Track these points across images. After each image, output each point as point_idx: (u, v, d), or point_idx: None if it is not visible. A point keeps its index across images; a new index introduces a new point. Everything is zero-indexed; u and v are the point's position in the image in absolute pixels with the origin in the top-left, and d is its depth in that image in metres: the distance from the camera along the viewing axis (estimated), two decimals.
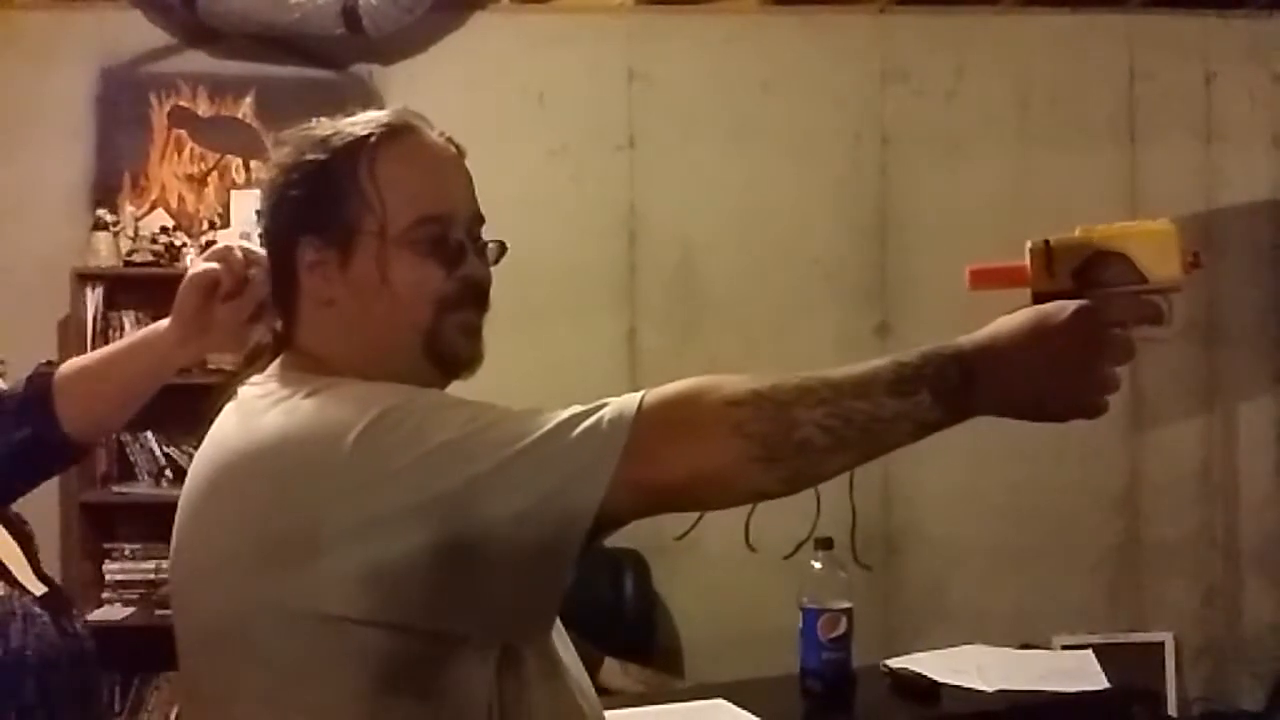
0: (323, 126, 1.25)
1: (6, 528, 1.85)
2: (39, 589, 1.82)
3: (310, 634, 1.07)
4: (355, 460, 1.06)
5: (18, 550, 1.85)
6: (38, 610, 1.76)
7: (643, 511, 1.06)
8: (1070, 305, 1.07)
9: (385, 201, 1.19)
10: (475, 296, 1.23)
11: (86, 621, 1.85)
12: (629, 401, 1.05)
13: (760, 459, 1.02)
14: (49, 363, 1.64)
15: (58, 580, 1.86)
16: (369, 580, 1.05)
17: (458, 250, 1.22)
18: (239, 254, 1.41)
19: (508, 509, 1.03)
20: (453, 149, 1.27)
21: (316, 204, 1.21)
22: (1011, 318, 1.08)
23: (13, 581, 1.78)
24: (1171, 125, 4.27)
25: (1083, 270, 1.11)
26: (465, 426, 1.06)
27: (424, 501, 1.04)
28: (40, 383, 1.55)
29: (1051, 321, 1.06)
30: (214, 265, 1.41)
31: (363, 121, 1.23)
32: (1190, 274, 1.10)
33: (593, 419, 1.04)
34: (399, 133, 1.23)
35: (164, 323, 1.46)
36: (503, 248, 1.28)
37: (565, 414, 1.06)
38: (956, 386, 1.05)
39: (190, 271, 1.43)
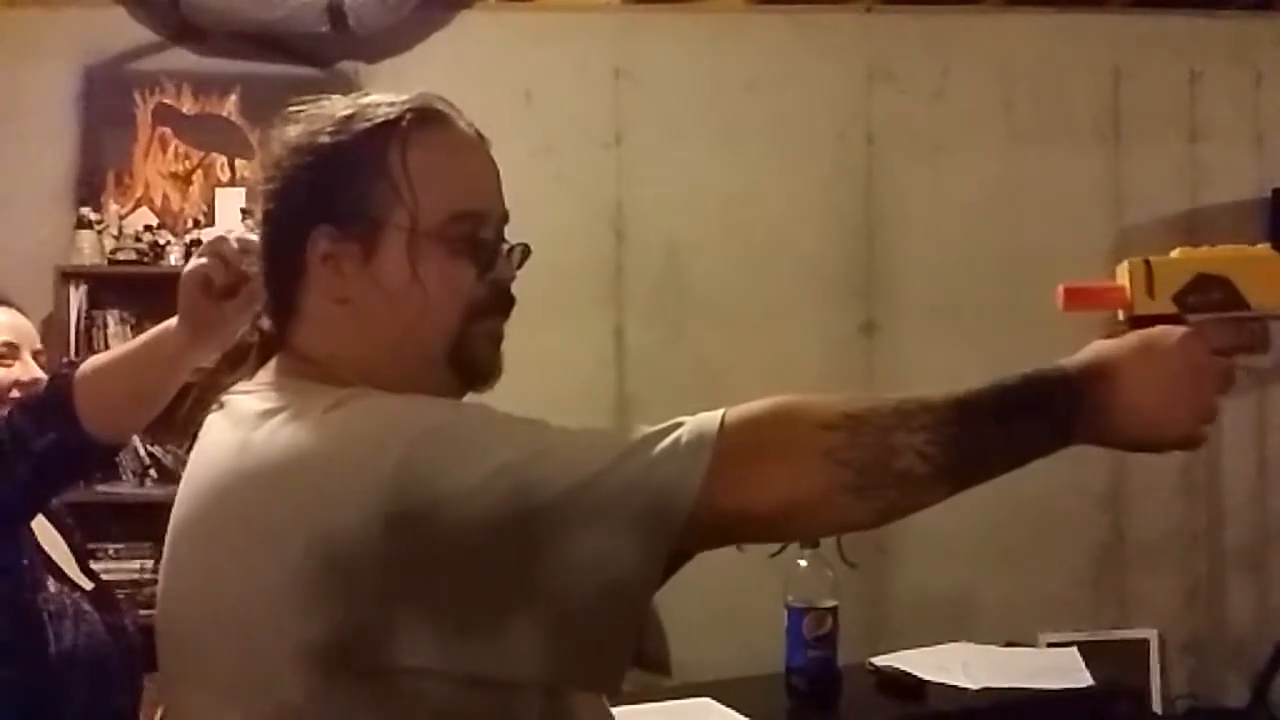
0: (338, 104, 1.12)
1: (50, 523, 1.84)
2: (87, 584, 1.81)
3: (346, 683, 0.94)
4: (401, 486, 0.92)
5: (65, 546, 1.84)
6: (87, 607, 1.75)
7: (718, 541, 0.97)
8: (1176, 331, 1.01)
9: (417, 193, 1.07)
10: (504, 303, 1.13)
11: (134, 617, 1.84)
12: (708, 421, 0.94)
13: (853, 488, 0.93)
14: (70, 362, 1.62)
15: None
16: (418, 623, 0.92)
17: (491, 251, 1.11)
18: (234, 245, 1.35)
19: (583, 539, 0.91)
20: (481, 140, 1.14)
21: (335, 190, 1.07)
22: (1114, 342, 1.02)
23: (63, 578, 1.77)
24: (1156, 124, 4.29)
25: (1183, 293, 1.06)
26: (526, 447, 0.95)
27: (487, 531, 0.91)
28: (60, 384, 1.53)
29: (1160, 346, 1.00)
30: (203, 260, 1.36)
31: (388, 103, 1.10)
32: None
33: (669, 440, 0.93)
34: (432, 119, 1.10)
35: (174, 320, 1.42)
36: (526, 251, 1.16)
37: (637, 434, 0.95)
38: (1062, 412, 0.98)
39: (186, 268, 1.38)
